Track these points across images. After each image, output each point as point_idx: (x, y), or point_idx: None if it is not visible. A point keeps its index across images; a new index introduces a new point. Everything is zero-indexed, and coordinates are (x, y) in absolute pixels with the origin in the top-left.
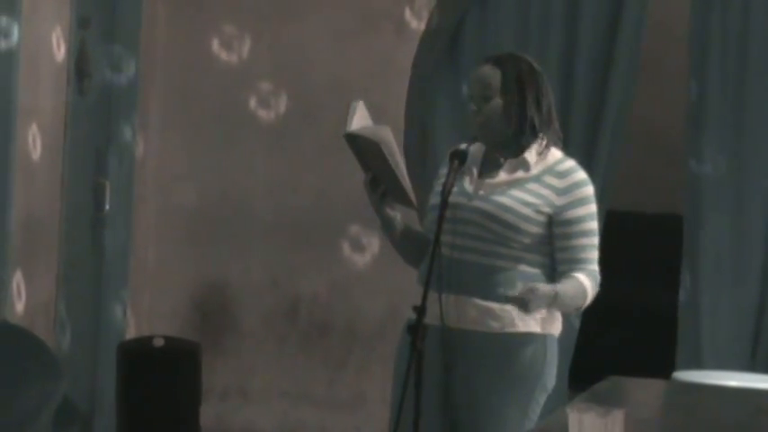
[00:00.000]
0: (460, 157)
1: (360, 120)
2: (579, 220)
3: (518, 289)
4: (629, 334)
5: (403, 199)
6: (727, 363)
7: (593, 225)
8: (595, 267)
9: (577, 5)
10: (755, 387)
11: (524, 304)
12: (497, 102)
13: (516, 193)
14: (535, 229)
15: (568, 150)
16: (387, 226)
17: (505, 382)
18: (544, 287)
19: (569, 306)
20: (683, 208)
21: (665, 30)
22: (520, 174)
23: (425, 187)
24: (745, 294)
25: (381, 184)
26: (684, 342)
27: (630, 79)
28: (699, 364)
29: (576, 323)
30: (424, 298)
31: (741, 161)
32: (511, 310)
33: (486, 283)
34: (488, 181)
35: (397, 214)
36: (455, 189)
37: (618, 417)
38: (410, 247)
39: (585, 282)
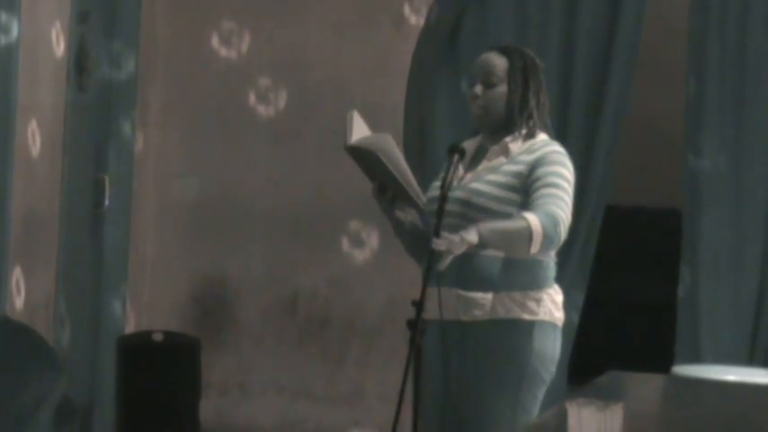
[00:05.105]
0: (460, 152)
1: (358, 130)
2: (545, 174)
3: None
4: (627, 328)
5: (411, 201)
6: (726, 357)
7: (563, 182)
8: (553, 209)
9: (576, 0)
10: (754, 381)
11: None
12: (502, 89)
13: (491, 176)
14: (509, 209)
15: (567, 145)
16: (398, 229)
17: (491, 370)
18: (463, 231)
19: (507, 240)
20: (682, 203)
21: (664, 24)
22: (500, 160)
23: (425, 183)
24: (744, 288)
25: (389, 190)
26: (683, 336)
27: (629, 74)
28: (698, 359)
29: (576, 318)
30: (423, 293)
31: (740, 156)
32: (492, 297)
33: (466, 273)
34: (469, 173)
35: (408, 217)
36: (438, 183)
37: (617, 411)
38: (422, 247)
39: (530, 216)
